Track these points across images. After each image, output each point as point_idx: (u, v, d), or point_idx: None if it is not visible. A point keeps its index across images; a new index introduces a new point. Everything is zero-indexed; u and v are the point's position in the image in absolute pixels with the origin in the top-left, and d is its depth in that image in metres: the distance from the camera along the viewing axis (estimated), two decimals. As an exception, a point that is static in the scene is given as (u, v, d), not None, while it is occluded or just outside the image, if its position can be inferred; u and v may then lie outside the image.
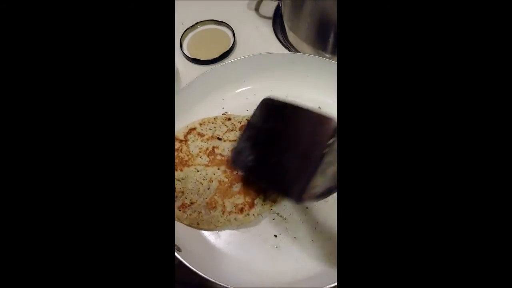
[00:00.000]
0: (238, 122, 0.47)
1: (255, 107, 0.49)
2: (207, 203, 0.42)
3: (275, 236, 0.40)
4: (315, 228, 0.40)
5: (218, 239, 0.41)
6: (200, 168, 0.44)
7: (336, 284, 0.34)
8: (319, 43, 0.52)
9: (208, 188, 0.43)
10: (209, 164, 0.44)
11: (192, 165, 0.44)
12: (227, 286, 0.35)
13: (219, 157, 0.45)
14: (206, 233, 0.41)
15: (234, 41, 0.58)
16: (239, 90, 0.50)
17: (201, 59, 0.57)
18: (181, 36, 0.59)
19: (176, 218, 0.41)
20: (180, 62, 0.57)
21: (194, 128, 0.46)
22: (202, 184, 0.43)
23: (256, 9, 0.63)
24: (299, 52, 0.56)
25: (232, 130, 0.47)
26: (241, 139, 0.40)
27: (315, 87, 0.49)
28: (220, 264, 0.39)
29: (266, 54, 0.49)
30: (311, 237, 0.40)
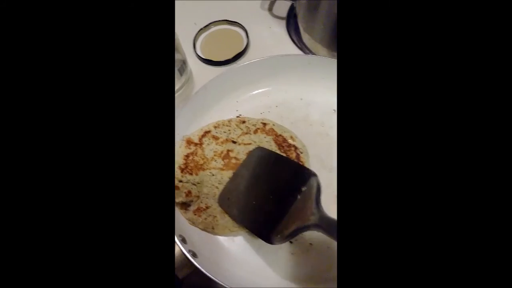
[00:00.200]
0: (253, 125, 0.47)
1: (269, 109, 0.49)
2: (222, 207, 0.42)
3: (291, 242, 0.40)
4: (331, 234, 0.40)
5: (233, 244, 0.41)
6: (215, 172, 0.44)
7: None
8: (335, 45, 0.52)
9: (223, 193, 0.42)
10: (224, 168, 0.44)
11: (207, 168, 0.44)
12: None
13: (233, 161, 0.44)
14: (221, 238, 0.41)
15: (248, 41, 0.58)
16: (254, 93, 0.50)
17: (215, 60, 0.56)
18: (194, 37, 0.59)
19: (191, 222, 0.41)
20: (193, 63, 0.57)
21: (209, 131, 0.46)
22: (217, 188, 0.42)
23: (270, 9, 0.63)
24: (313, 53, 0.56)
25: (246, 133, 0.46)
26: (231, 180, 0.43)
27: (330, 89, 0.48)
28: (236, 269, 0.39)
29: (281, 56, 0.48)
30: (326, 244, 0.40)
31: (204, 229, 0.41)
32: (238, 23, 0.60)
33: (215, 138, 0.46)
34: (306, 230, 0.34)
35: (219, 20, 0.61)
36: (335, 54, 0.52)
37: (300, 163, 0.43)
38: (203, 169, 0.44)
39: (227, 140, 0.46)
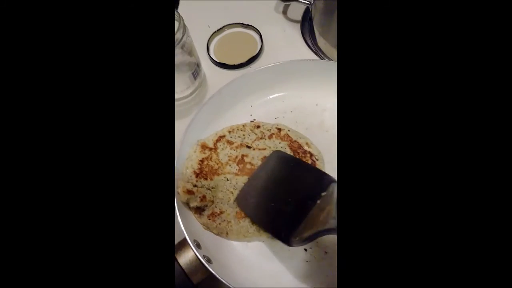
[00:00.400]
0: (267, 130, 0.47)
1: (284, 115, 0.49)
2: (236, 212, 0.41)
3: (305, 250, 0.40)
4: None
5: (248, 250, 0.41)
6: (230, 176, 0.44)
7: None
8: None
9: (238, 198, 0.42)
10: (239, 173, 0.44)
11: (222, 173, 0.44)
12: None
13: (248, 166, 0.44)
14: (235, 244, 0.41)
15: (262, 45, 0.58)
16: (268, 97, 0.50)
17: (228, 63, 0.56)
18: (208, 40, 0.59)
19: (205, 227, 0.41)
20: (206, 66, 0.57)
21: (224, 136, 0.46)
22: (232, 193, 0.42)
23: (284, 12, 0.62)
24: (329, 58, 0.55)
25: (261, 138, 0.46)
26: (249, 182, 0.43)
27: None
28: (250, 276, 0.39)
29: (297, 61, 0.48)
30: (341, 252, 0.39)
31: (218, 234, 0.41)
32: (252, 26, 0.60)
33: (230, 143, 0.46)
34: (325, 234, 0.34)
35: (233, 23, 0.60)
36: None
37: None
38: (218, 174, 0.44)
39: (241, 145, 0.46)
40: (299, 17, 0.61)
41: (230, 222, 0.41)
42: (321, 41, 0.56)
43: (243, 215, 0.41)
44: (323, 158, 0.45)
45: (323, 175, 0.39)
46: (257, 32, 0.59)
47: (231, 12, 0.62)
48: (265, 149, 0.45)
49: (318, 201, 0.35)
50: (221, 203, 0.42)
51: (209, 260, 0.37)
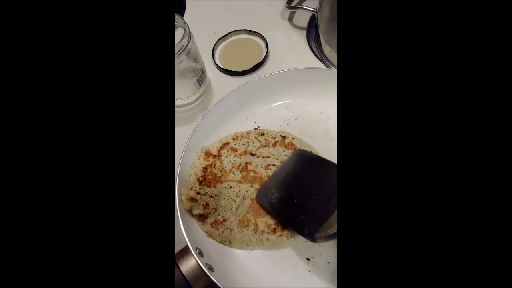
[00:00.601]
0: (272, 138, 0.46)
1: (289, 122, 0.49)
2: (239, 221, 0.41)
3: (308, 259, 0.40)
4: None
5: (250, 258, 0.40)
6: (233, 184, 0.43)
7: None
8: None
9: (241, 206, 0.42)
10: (242, 180, 0.44)
11: (225, 181, 0.44)
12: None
13: (252, 174, 0.44)
14: (238, 252, 0.41)
15: (267, 52, 0.58)
16: (273, 105, 0.50)
17: (233, 70, 0.56)
18: (214, 46, 0.59)
19: (208, 235, 0.41)
20: (212, 73, 0.57)
21: (228, 143, 0.46)
22: (235, 201, 0.42)
23: (290, 19, 0.62)
24: (335, 66, 0.55)
25: (265, 146, 0.46)
26: (270, 178, 0.44)
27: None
28: (252, 285, 0.39)
29: (303, 69, 0.48)
30: (344, 262, 0.39)
31: (221, 242, 0.41)
32: (258, 32, 0.60)
33: (234, 150, 0.46)
34: None
35: (239, 30, 0.61)
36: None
37: None
38: (221, 182, 0.44)
39: (245, 153, 0.46)
40: (305, 24, 0.61)
41: (233, 230, 0.41)
42: (326, 49, 0.55)
43: (246, 223, 0.41)
44: (327, 167, 0.44)
45: None
46: (262, 39, 0.59)
47: (237, 19, 0.62)
48: (269, 156, 0.45)
49: None
50: (224, 211, 0.42)
51: (211, 268, 0.37)
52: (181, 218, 0.39)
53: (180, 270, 0.37)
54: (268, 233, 0.40)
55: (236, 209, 0.42)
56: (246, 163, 0.45)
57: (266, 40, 0.59)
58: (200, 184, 0.43)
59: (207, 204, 0.41)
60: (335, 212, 0.35)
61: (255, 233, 0.41)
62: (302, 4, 0.60)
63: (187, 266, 0.37)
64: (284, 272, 0.39)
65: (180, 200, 0.40)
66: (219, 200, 0.43)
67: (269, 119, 0.49)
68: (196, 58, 0.50)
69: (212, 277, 0.36)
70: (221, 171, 0.44)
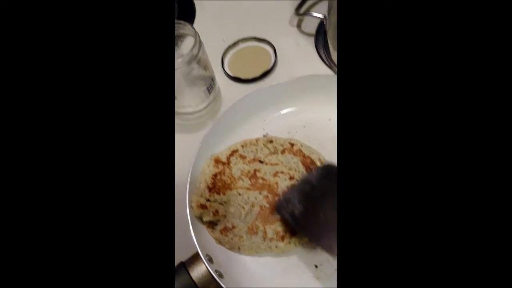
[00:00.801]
0: (280, 145, 0.47)
1: (297, 129, 0.49)
2: (248, 228, 0.42)
3: (316, 266, 0.40)
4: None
5: (259, 265, 0.41)
6: (242, 191, 0.44)
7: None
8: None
9: (250, 213, 0.43)
10: (251, 188, 0.44)
11: (234, 188, 0.44)
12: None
13: (260, 181, 0.45)
14: (247, 259, 0.41)
15: (276, 59, 0.58)
16: (281, 112, 0.50)
17: (242, 77, 0.57)
18: (223, 54, 0.60)
19: (218, 242, 0.42)
20: (221, 80, 0.58)
21: (237, 150, 0.47)
22: (244, 208, 0.43)
23: (298, 26, 0.63)
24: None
25: (274, 153, 0.47)
26: (291, 188, 0.43)
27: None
28: (261, 291, 0.39)
29: (311, 76, 0.48)
30: (353, 270, 0.39)
31: (230, 249, 0.42)
32: (266, 40, 0.60)
33: (243, 157, 0.46)
34: None
35: (247, 37, 0.61)
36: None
37: None
38: (230, 189, 0.44)
39: (254, 160, 0.46)
40: (313, 30, 0.62)
41: (242, 237, 0.42)
42: (335, 55, 0.56)
43: (254, 230, 0.42)
44: (336, 174, 0.45)
45: None
46: (271, 46, 0.60)
47: (245, 27, 0.63)
48: (277, 164, 0.46)
49: None
50: (233, 217, 0.43)
51: (220, 275, 0.38)
52: (191, 224, 0.40)
53: (190, 276, 0.37)
54: (276, 240, 0.41)
55: (245, 216, 0.43)
56: (255, 170, 0.45)
57: (274, 47, 0.59)
58: (210, 191, 0.43)
59: (216, 211, 0.42)
60: None
61: (264, 240, 0.41)
62: (311, 11, 0.61)
63: (197, 272, 0.38)
64: (293, 279, 0.40)
65: (191, 207, 0.41)
66: (228, 207, 0.43)
67: (277, 126, 0.49)
68: (206, 66, 0.51)
69: (221, 284, 0.36)
70: (230, 178, 0.45)
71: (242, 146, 0.47)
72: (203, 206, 0.41)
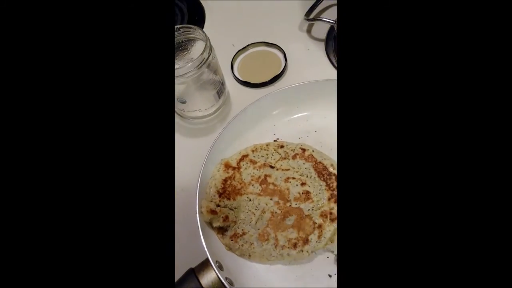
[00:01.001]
0: (291, 150, 0.46)
1: (308, 134, 0.48)
2: (259, 234, 0.41)
3: (330, 276, 0.39)
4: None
5: (270, 273, 0.40)
6: (253, 197, 0.43)
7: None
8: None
9: (261, 219, 0.42)
10: (262, 193, 0.43)
11: (244, 193, 0.43)
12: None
13: (271, 187, 0.44)
14: (257, 266, 0.40)
15: (286, 64, 0.58)
16: (292, 117, 0.49)
17: (252, 82, 0.57)
18: (232, 58, 0.60)
19: (228, 248, 0.41)
20: (230, 85, 0.57)
21: (247, 155, 0.46)
22: (254, 214, 0.42)
23: (308, 31, 0.62)
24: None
25: (285, 159, 0.46)
26: None
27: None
28: (272, 300, 0.38)
29: (322, 81, 0.48)
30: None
31: (240, 256, 0.41)
32: (276, 45, 0.60)
33: (253, 162, 0.46)
34: None
35: (257, 42, 0.61)
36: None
37: None
38: (241, 194, 0.43)
39: (265, 165, 0.45)
40: (323, 35, 0.61)
41: (253, 244, 0.41)
42: (346, 61, 0.55)
43: (265, 237, 0.41)
44: (348, 180, 0.44)
45: None
46: (281, 51, 0.60)
47: (255, 31, 0.63)
48: (288, 169, 0.45)
49: None
50: (244, 224, 0.42)
51: (231, 283, 0.37)
52: (201, 230, 0.39)
53: (200, 283, 0.36)
54: (288, 247, 0.40)
55: (256, 222, 0.42)
56: (266, 176, 0.45)
57: (284, 52, 0.59)
58: (220, 196, 0.42)
59: (226, 217, 0.41)
60: None
61: (275, 247, 0.40)
62: (321, 16, 0.61)
63: (207, 279, 0.37)
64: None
65: (201, 212, 0.40)
66: (239, 212, 0.42)
67: (288, 131, 0.49)
68: (216, 71, 0.50)
69: (232, 292, 0.35)
70: (240, 184, 0.44)
71: (253, 151, 0.47)
72: (213, 212, 0.41)
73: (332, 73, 0.57)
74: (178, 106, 0.52)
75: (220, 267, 0.38)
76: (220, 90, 0.53)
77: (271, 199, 0.43)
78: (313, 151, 0.46)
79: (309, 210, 0.41)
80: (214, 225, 0.41)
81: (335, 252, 0.39)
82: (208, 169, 0.44)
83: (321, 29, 0.62)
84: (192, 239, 0.39)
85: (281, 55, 0.60)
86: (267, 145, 0.47)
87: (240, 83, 0.58)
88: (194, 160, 0.45)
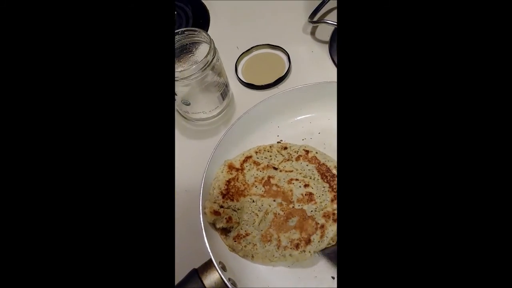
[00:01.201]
0: (295, 152, 0.46)
1: (312, 136, 0.49)
2: (262, 235, 0.41)
3: (333, 278, 0.39)
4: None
5: (273, 275, 0.40)
6: (256, 198, 0.43)
7: None
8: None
9: (264, 220, 0.42)
10: (265, 194, 0.44)
11: (247, 195, 0.44)
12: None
13: (274, 188, 0.44)
14: (260, 267, 0.40)
15: (290, 66, 0.58)
16: (296, 119, 0.50)
17: (256, 84, 0.57)
18: (236, 61, 0.60)
19: (231, 249, 0.41)
20: (234, 87, 0.58)
21: (250, 156, 0.46)
22: (257, 215, 0.42)
23: (312, 33, 0.63)
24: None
25: (288, 160, 0.46)
26: None
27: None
28: (275, 302, 0.38)
29: (326, 83, 0.48)
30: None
31: (243, 257, 0.41)
32: (280, 47, 0.60)
33: (257, 163, 0.46)
34: None
35: (261, 44, 0.61)
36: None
37: None
38: (244, 195, 0.44)
39: (268, 166, 0.45)
40: (327, 38, 0.61)
41: (256, 245, 0.41)
42: (349, 62, 0.55)
43: (268, 238, 0.41)
44: (352, 182, 0.44)
45: None
46: (285, 53, 0.60)
47: (259, 33, 0.63)
48: (292, 171, 0.45)
49: None
50: (247, 225, 0.42)
51: (234, 284, 0.37)
52: (204, 231, 0.39)
53: (203, 284, 0.37)
54: (291, 248, 0.40)
55: (259, 224, 0.42)
56: (269, 177, 0.45)
57: (288, 54, 0.59)
58: (223, 197, 0.43)
59: (230, 218, 0.41)
60: None
61: (278, 248, 0.40)
62: (325, 19, 0.61)
63: (210, 280, 0.37)
64: (308, 289, 0.38)
65: (204, 213, 0.41)
66: (242, 214, 0.43)
67: (292, 133, 0.49)
68: (220, 73, 0.51)
69: (235, 293, 0.35)
70: (243, 185, 0.44)
71: (256, 153, 0.47)
72: (216, 213, 0.41)
73: (335, 75, 0.57)
74: (182, 108, 0.53)
75: (223, 268, 0.38)
76: (224, 92, 0.53)
77: (274, 201, 0.43)
78: (316, 152, 0.46)
79: (312, 211, 0.42)
80: (218, 226, 0.41)
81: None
82: (212, 171, 0.45)
83: (325, 31, 0.62)
84: (195, 240, 0.39)
85: (285, 57, 0.60)
86: (270, 146, 0.47)
87: (244, 85, 0.58)
88: (197, 161, 0.45)
